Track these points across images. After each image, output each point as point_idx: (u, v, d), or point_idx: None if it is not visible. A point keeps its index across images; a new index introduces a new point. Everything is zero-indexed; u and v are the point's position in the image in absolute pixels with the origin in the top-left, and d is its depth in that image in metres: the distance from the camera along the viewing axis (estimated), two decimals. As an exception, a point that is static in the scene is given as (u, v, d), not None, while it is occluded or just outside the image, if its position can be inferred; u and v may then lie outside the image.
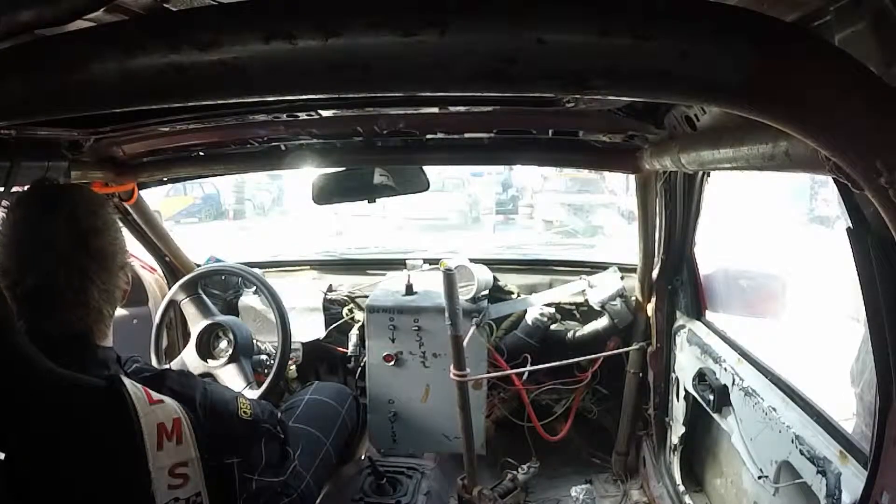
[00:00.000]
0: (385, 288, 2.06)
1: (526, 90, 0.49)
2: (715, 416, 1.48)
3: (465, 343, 1.63)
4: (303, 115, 1.31)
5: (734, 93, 0.45)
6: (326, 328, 2.19)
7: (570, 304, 2.14)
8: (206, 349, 1.84)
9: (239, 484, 0.93)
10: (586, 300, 2.08)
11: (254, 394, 1.71)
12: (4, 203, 1.04)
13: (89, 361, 0.85)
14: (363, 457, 1.80)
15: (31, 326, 0.82)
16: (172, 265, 2.14)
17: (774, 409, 1.20)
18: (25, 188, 1.00)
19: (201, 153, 1.67)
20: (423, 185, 1.75)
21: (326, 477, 1.44)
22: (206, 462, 0.85)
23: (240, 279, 2.22)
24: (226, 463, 0.90)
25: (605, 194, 11.32)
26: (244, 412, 0.96)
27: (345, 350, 2.17)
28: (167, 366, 1.82)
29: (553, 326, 2.09)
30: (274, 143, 1.60)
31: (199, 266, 2.14)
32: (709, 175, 1.55)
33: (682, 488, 1.73)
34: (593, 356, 1.98)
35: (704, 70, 0.44)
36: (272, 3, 0.47)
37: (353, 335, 2.16)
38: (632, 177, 1.73)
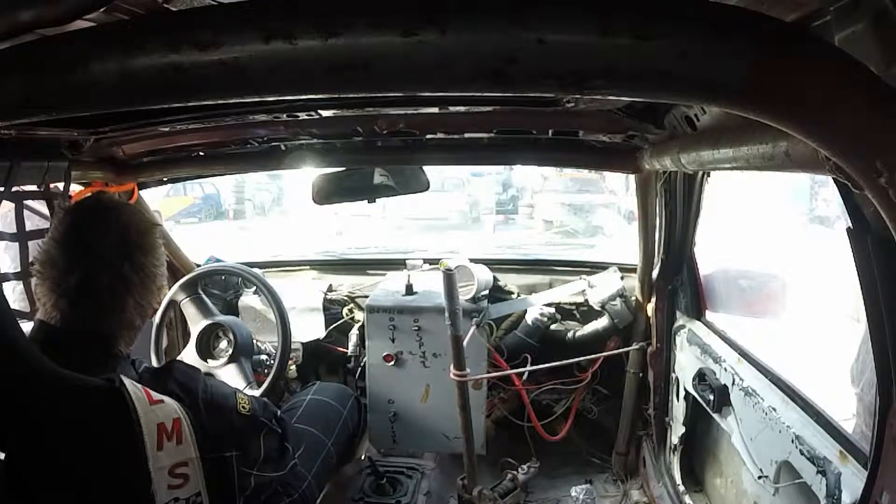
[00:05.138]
0: (385, 288, 2.06)
1: (526, 90, 0.49)
2: (715, 416, 1.48)
3: (465, 343, 1.63)
4: (303, 115, 1.31)
5: (734, 93, 0.45)
6: (326, 328, 2.19)
7: (570, 304, 2.14)
8: (206, 349, 1.84)
9: (238, 478, 0.93)
10: (586, 300, 2.08)
11: (254, 394, 1.71)
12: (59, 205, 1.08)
13: (113, 366, 0.88)
14: (363, 457, 1.80)
15: (64, 323, 0.86)
16: (172, 265, 2.14)
17: (774, 409, 1.20)
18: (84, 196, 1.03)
19: (201, 153, 1.67)
20: (423, 185, 1.74)
21: (327, 477, 1.44)
22: (206, 455, 0.85)
23: (240, 279, 2.22)
24: (225, 456, 0.91)
25: (605, 194, 11.30)
26: (243, 407, 0.97)
27: (345, 350, 2.17)
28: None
29: (553, 326, 2.09)
30: (274, 143, 1.60)
31: (199, 266, 2.14)
32: (709, 175, 1.55)
33: (682, 488, 1.73)
34: (593, 356, 1.98)
35: (704, 70, 0.44)
36: (272, 3, 0.46)
37: (353, 335, 2.16)
38: (632, 177, 1.73)
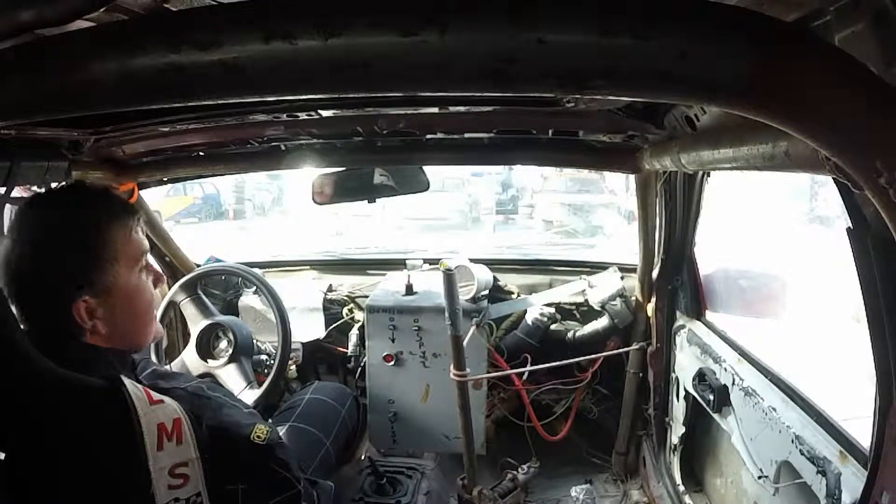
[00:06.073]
0: (385, 288, 2.06)
1: (526, 90, 0.49)
2: (715, 416, 1.48)
3: (465, 343, 1.63)
4: (303, 115, 1.31)
5: (734, 93, 0.45)
6: (326, 328, 2.19)
7: (570, 304, 2.14)
8: (206, 349, 1.84)
9: None
10: (586, 300, 2.08)
11: (254, 394, 1.71)
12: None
13: (82, 361, 0.85)
14: (363, 457, 1.80)
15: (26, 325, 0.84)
16: (172, 265, 2.15)
17: (774, 409, 1.20)
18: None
19: (201, 153, 1.67)
20: (423, 185, 1.75)
21: (326, 476, 1.44)
22: (209, 489, 0.82)
23: (240, 279, 2.23)
24: (228, 489, 0.85)
25: (605, 194, 11.30)
26: (257, 436, 0.89)
27: (345, 350, 2.17)
28: (167, 366, 1.83)
29: (553, 326, 2.09)
30: (274, 143, 1.60)
31: (199, 266, 2.14)
32: (709, 175, 1.55)
33: (682, 488, 1.73)
34: (593, 356, 1.99)
35: (704, 70, 0.44)
36: (272, 3, 0.46)
37: (353, 335, 2.16)
38: (632, 177, 1.73)
